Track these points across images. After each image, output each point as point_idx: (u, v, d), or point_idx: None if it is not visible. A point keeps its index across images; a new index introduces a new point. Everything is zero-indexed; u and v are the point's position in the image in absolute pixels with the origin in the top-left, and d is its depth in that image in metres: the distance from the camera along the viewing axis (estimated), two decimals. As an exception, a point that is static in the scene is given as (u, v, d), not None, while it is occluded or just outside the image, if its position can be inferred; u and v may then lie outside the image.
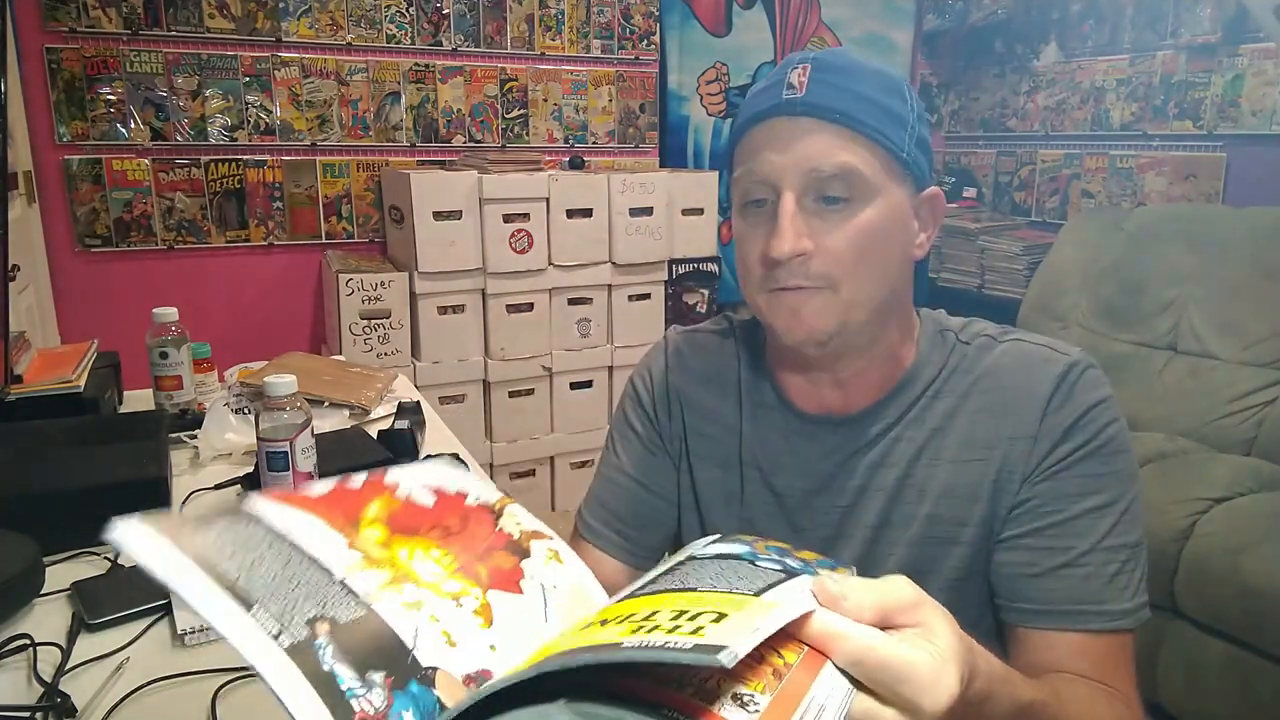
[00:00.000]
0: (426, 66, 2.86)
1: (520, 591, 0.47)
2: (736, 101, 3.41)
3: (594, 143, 3.18)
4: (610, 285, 2.83)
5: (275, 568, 0.41)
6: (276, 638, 0.37)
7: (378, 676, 0.38)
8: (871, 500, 0.75)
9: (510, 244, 2.62)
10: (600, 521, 0.85)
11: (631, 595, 0.43)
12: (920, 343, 0.76)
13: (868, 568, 0.75)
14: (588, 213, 2.72)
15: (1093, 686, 0.66)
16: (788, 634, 0.39)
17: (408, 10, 2.79)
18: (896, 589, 0.43)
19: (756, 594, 0.41)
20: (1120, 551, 0.68)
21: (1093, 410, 0.69)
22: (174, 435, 1.28)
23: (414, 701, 0.39)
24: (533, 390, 2.81)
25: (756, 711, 0.35)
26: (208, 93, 2.58)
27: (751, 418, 0.81)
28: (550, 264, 2.71)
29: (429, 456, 1.23)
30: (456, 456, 1.20)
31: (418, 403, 1.41)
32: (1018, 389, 0.71)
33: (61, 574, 0.92)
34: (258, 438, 1.03)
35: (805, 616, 0.40)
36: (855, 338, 0.71)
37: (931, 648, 0.41)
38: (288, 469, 1.02)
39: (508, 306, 2.69)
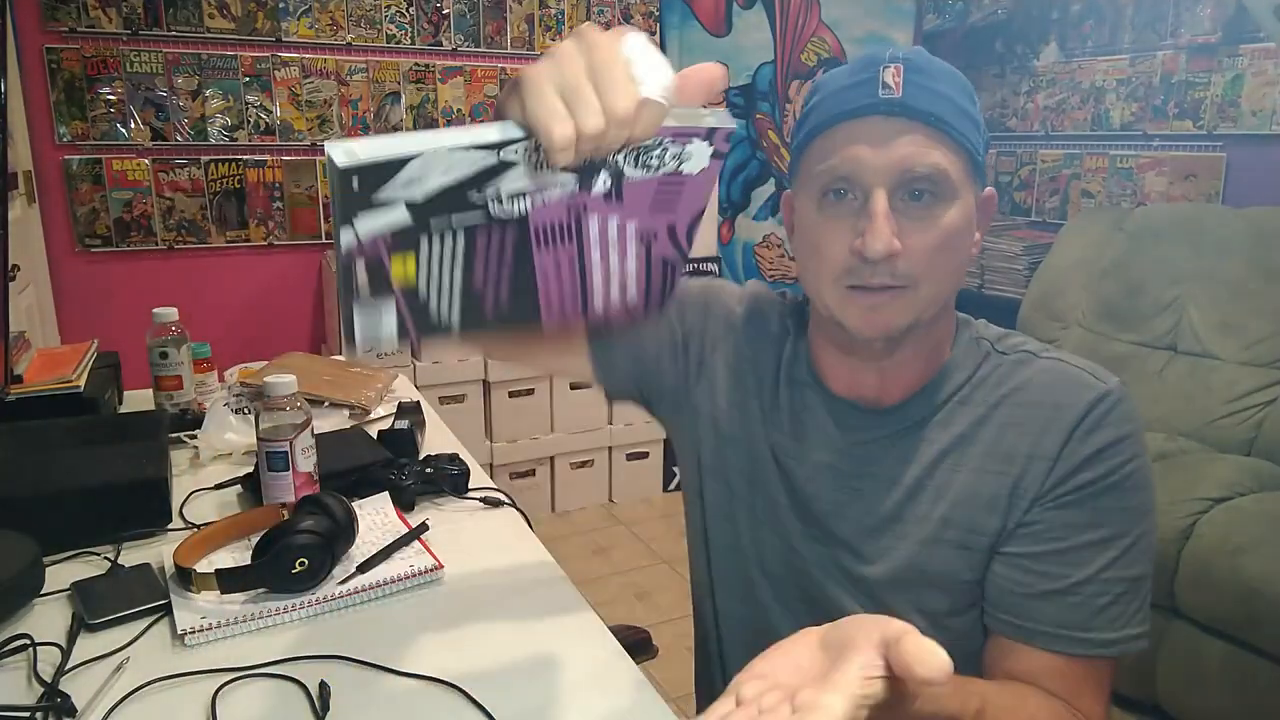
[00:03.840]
0: (426, 66, 2.86)
1: None
2: (736, 101, 3.41)
3: (594, 143, 3.18)
4: (610, 285, 2.83)
5: None
6: None
7: None
8: (887, 491, 0.76)
9: (510, 244, 2.62)
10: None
11: None
12: (955, 346, 0.77)
13: (873, 555, 0.76)
14: (588, 213, 2.72)
15: (1047, 699, 0.67)
16: None
17: (408, 10, 2.79)
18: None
19: None
20: (1117, 584, 0.68)
21: (1117, 445, 0.68)
22: (174, 435, 1.28)
23: None
24: (532, 390, 2.81)
25: None
26: (208, 93, 2.58)
27: (787, 386, 0.83)
28: (550, 264, 2.70)
29: (429, 457, 1.23)
30: (456, 457, 1.20)
31: (418, 403, 1.41)
32: (1048, 407, 0.71)
33: (61, 574, 0.91)
34: (258, 438, 1.03)
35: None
36: (921, 331, 0.72)
37: None
38: (288, 469, 1.02)
39: (508, 306, 2.69)
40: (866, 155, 0.67)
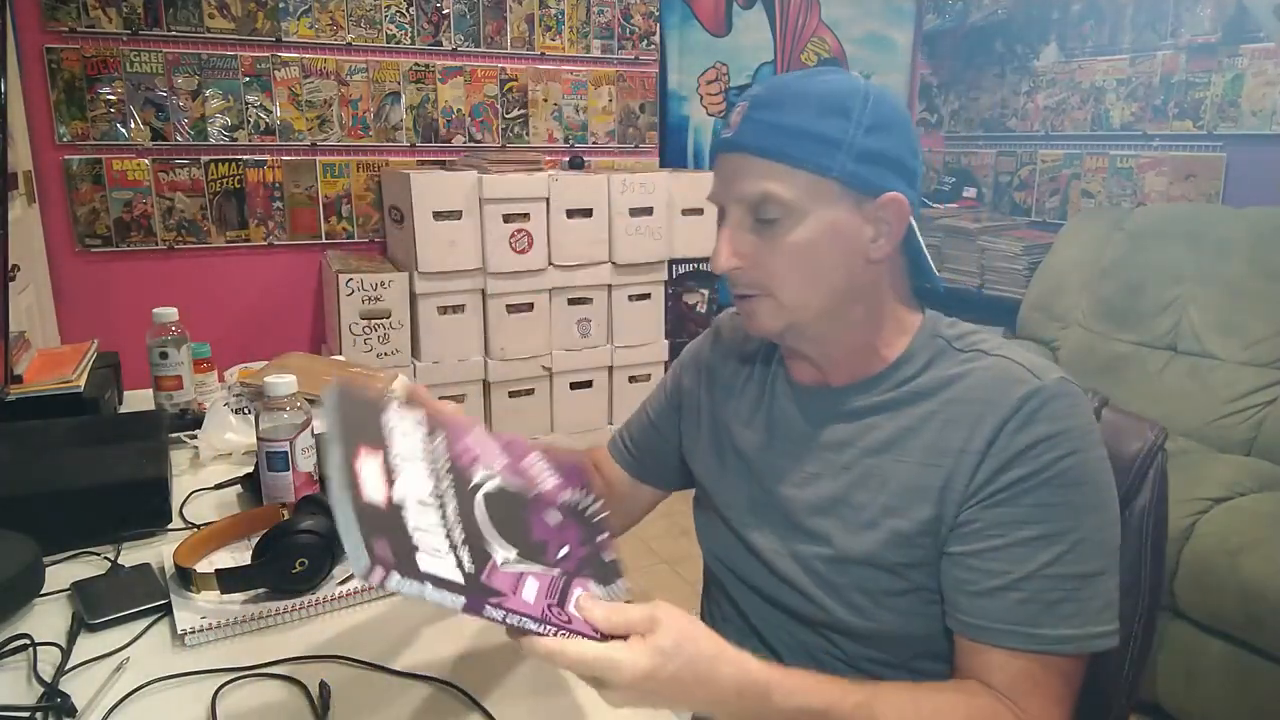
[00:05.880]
0: (426, 66, 2.86)
1: None
2: (737, 102, 3.41)
3: (594, 143, 3.18)
4: (610, 285, 2.83)
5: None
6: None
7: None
8: (835, 474, 0.79)
9: (510, 244, 2.62)
10: (620, 436, 1.06)
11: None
12: (913, 341, 0.79)
13: (820, 536, 0.79)
14: (588, 213, 2.72)
15: (969, 699, 0.68)
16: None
17: (408, 10, 2.79)
18: (628, 615, 0.57)
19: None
20: (1067, 580, 0.68)
21: (1048, 441, 0.69)
22: (174, 435, 1.28)
23: None
24: (533, 390, 2.81)
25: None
26: (208, 93, 2.58)
27: (760, 383, 0.90)
28: (550, 264, 2.71)
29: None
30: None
31: (418, 403, 1.41)
32: (982, 403, 0.72)
33: (61, 574, 0.91)
34: (258, 438, 1.03)
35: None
36: (809, 331, 0.79)
37: (629, 646, 0.56)
38: (288, 469, 1.02)
39: (508, 306, 2.69)
40: (718, 187, 0.78)
